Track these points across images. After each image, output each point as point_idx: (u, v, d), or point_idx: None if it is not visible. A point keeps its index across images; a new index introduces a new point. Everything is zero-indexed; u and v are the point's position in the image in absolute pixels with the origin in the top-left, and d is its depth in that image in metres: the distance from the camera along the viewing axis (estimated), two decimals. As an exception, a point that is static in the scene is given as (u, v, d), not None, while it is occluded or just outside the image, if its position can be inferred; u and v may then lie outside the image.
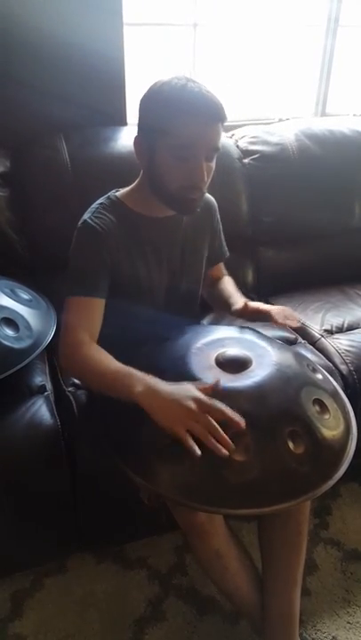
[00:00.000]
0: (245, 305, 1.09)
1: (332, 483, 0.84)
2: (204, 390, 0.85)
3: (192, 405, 0.81)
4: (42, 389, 1.18)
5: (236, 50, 1.88)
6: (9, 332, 1.11)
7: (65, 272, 1.03)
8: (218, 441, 0.79)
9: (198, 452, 0.78)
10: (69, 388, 1.21)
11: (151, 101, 0.97)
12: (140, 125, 1.00)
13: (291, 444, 0.82)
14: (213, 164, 1.00)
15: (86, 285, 1.00)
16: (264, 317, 1.07)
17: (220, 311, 1.23)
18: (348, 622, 1.20)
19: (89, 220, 1.02)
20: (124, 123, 1.62)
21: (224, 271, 1.34)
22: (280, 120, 1.91)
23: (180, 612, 1.22)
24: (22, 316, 1.17)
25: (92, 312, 1.01)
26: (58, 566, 1.30)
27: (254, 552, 1.10)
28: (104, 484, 1.10)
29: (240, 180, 1.64)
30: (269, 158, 1.67)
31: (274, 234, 1.73)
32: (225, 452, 0.78)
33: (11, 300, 1.19)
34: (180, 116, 0.92)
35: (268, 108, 2.00)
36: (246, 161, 1.68)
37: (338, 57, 1.97)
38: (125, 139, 1.52)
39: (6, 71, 1.43)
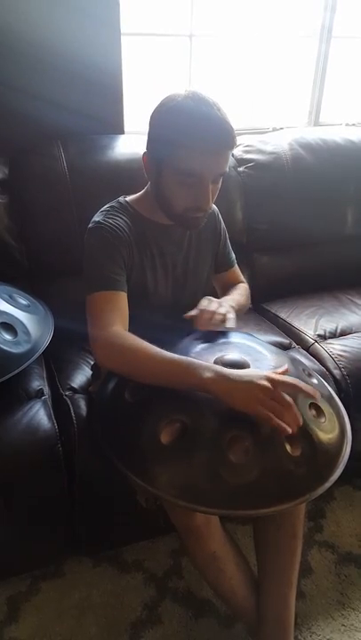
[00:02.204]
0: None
1: (328, 485, 0.86)
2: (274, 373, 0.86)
3: (266, 384, 0.82)
4: (39, 393, 1.19)
5: (231, 60, 1.91)
6: (7, 336, 1.12)
7: (83, 274, 1.02)
8: (289, 417, 0.81)
9: (288, 430, 0.79)
10: (67, 392, 1.23)
11: (161, 120, 0.96)
12: (148, 142, 1.01)
13: (288, 447, 0.84)
14: (219, 184, 1.01)
15: (108, 280, 0.99)
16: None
17: None
18: (343, 625, 1.21)
19: (103, 221, 1.03)
20: (121, 131, 1.64)
21: (241, 278, 1.33)
22: (274, 129, 1.95)
23: (175, 615, 1.23)
24: (20, 321, 1.18)
25: (119, 304, 0.99)
26: (54, 570, 1.30)
27: (249, 555, 1.11)
28: (101, 488, 1.10)
29: (235, 189, 1.66)
30: (264, 167, 1.69)
31: (268, 241, 1.76)
32: (289, 430, 0.80)
33: (9, 305, 1.20)
34: (190, 143, 0.91)
35: (263, 117, 2.03)
36: (241, 169, 1.70)
37: (331, 67, 2.01)
38: (123, 147, 1.54)
39: (5, 80, 1.45)
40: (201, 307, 1.07)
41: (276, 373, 0.87)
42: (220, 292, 1.30)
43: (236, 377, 0.84)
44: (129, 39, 1.65)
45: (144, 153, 1.02)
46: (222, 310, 1.06)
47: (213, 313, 1.05)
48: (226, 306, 1.09)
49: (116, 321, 0.96)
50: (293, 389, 0.84)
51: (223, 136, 0.93)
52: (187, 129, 0.91)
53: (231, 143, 0.94)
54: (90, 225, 1.05)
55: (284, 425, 0.80)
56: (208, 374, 0.85)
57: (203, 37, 1.82)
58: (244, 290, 1.29)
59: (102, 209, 1.08)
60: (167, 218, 1.06)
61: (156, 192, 1.03)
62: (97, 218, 1.06)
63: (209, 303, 1.08)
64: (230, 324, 1.04)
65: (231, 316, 1.06)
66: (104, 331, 0.95)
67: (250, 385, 0.83)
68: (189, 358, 0.90)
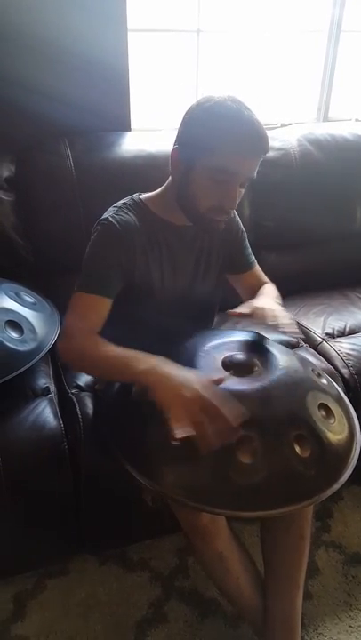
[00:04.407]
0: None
1: (337, 487, 0.85)
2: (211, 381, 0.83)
3: (190, 395, 0.78)
4: (45, 391, 1.19)
5: (239, 55, 1.89)
6: (13, 334, 1.12)
7: (79, 269, 1.03)
8: (214, 432, 0.76)
9: (177, 436, 0.75)
10: (73, 390, 1.22)
11: (201, 120, 0.96)
12: (181, 139, 1.00)
13: (297, 448, 0.83)
14: (243, 191, 1.01)
15: (96, 283, 1.00)
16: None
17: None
18: (350, 626, 1.21)
19: (111, 218, 1.02)
20: (128, 128, 1.63)
21: (265, 279, 1.28)
22: (283, 125, 1.93)
23: (181, 614, 1.22)
24: (27, 319, 1.17)
25: (97, 309, 1.00)
26: (60, 568, 1.30)
27: (256, 554, 1.11)
28: (107, 486, 1.10)
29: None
30: (272, 163, 1.67)
31: (276, 238, 1.74)
32: (209, 446, 0.76)
33: (15, 303, 1.20)
34: (229, 144, 0.93)
35: (271, 113, 2.01)
36: (249, 165, 1.68)
37: (340, 62, 1.98)
38: (129, 144, 1.53)
39: (11, 77, 1.44)
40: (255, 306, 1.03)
41: (214, 381, 0.83)
42: (245, 294, 1.27)
43: (171, 373, 0.82)
44: (136, 35, 1.63)
45: (174, 149, 1.01)
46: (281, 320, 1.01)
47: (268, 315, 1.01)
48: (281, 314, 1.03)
49: (86, 325, 0.98)
50: (215, 412, 0.78)
51: (262, 140, 0.95)
52: (229, 128, 0.93)
53: (267, 148, 0.97)
54: (100, 220, 1.04)
55: (177, 432, 0.75)
56: (143, 366, 0.84)
57: (210, 33, 1.81)
58: (272, 289, 1.24)
59: (115, 204, 1.08)
60: (188, 218, 1.05)
61: (181, 190, 1.02)
62: (107, 214, 1.05)
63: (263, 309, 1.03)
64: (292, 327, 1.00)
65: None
66: (71, 331, 0.98)
67: (178, 384, 0.80)
68: (138, 352, 0.88)
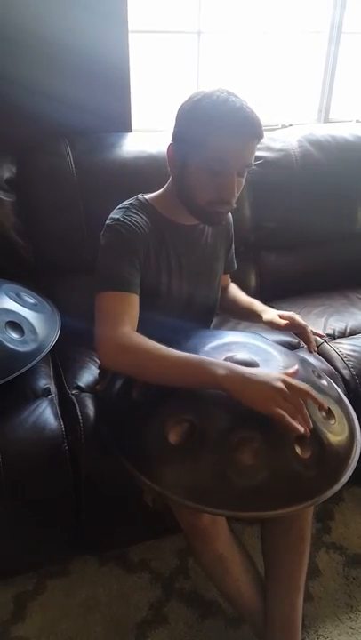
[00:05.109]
0: (282, 317, 1.17)
1: (337, 488, 0.85)
2: (287, 375, 0.86)
3: (281, 385, 0.82)
4: (46, 392, 1.18)
5: (239, 57, 1.89)
6: (14, 335, 1.11)
7: (95, 270, 1.01)
8: (301, 419, 0.81)
9: (301, 430, 0.79)
10: (73, 391, 1.22)
11: (190, 113, 0.96)
12: (175, 135, 1.00)
13: (298, 449, 0.83)
14: (244, 179, 1.00)
15: (121, 281, 0.97)
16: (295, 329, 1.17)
17: (236, 318, 1.31)
18: (351, 627, 1.20)
19: (122, 219, 1.01)
20: (129, 129, 1.63)
21: (229, 279, 1.38)
22: (283, 126, 1.93)
23: (182, 615, 1.22)
24: (27, 320, 1.17)
25: (130, 306, 0.97)
26: (61, 569, 1.30)
27: (256, 555, 1.10)
28: (107, 487, 1.10)
29: (243, 186, 1.65)
30: (272, 164, 1.68)
31: (276, 239, 1.74)
32: (301, 430, 0.79)
33: (16, 303, 1.20)
34: (218, 132, 0.92)
35: (272, 114, 2.01)
36: (249, 166, 1.69)
37: (341, 63, 1.98)
38: (130, 145, 1.53)
39: (13, 77, 1.44)
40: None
41: (288, 374, 0.86)
42: None
43: (251, 375, 0.84)
44: (137, 36, 1.64)
45: (169, 146, 1.01)
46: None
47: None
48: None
49: (125, 322, 0.94)
50: (306, 396, 0.84)
51: (252, 125, 0.94)
52: (217, 116, 0.92)
53: (259, 133, 0.95)
54: (108, 221, 1.03)
55: (296, 424, 0.79)
56: (222, 371, 0.84)
57: (211, 34, 1.81)
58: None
59: (121, 205, 1.07)
60: (190, 213, 1.04)
61: (180, 185, 1.02)
62: (116, 215, 1.03)
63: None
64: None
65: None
66: (112, 331, 0.92)
67: (265, 385, 0.82)
68: (200, 356, 0.89)
